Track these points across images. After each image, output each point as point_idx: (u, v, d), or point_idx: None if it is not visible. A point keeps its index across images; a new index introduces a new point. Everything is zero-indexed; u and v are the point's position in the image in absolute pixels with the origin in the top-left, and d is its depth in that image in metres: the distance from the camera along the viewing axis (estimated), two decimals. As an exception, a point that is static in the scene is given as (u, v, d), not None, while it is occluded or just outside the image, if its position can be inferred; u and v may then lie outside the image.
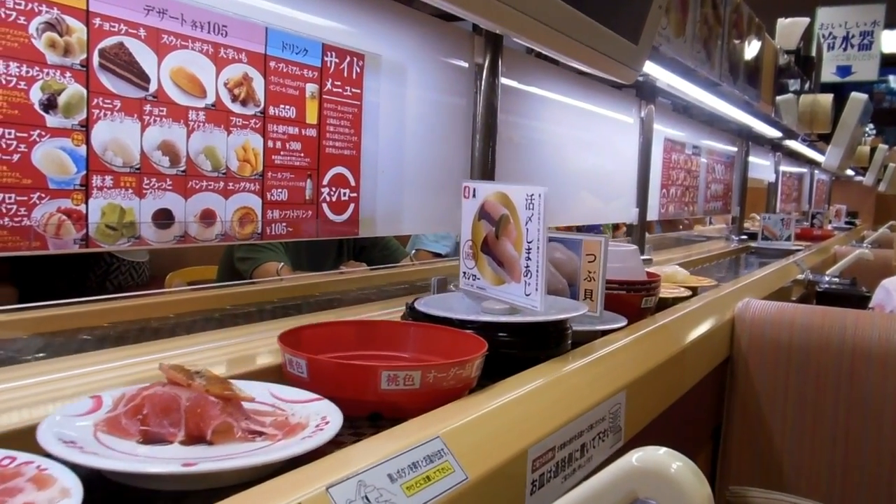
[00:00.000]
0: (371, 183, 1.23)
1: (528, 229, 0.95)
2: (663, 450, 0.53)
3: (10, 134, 0.77)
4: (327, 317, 1.23)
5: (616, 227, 4.35)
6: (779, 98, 3.04)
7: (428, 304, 1.01)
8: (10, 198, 0.78)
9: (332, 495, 0.55)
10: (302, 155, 1.10)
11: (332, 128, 1.14)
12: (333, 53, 1.13)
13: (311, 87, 1.10)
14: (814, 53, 4.28)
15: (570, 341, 1.03)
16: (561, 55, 1.24)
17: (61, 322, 1.07)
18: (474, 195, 1.06)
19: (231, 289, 1.48)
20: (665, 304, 1.50)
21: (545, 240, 0.93)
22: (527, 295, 0.96)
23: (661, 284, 1.42)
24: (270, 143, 1.05)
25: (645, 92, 2.37)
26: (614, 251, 1.34)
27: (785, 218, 3.53)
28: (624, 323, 1.21)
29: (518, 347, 0.95)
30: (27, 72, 0.78)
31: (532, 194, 0.94)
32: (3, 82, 0.76)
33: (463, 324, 0.94)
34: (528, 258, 0.95)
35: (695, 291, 1.74)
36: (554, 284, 1.14)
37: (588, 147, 2.09)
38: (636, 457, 0.53)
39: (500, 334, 0.94)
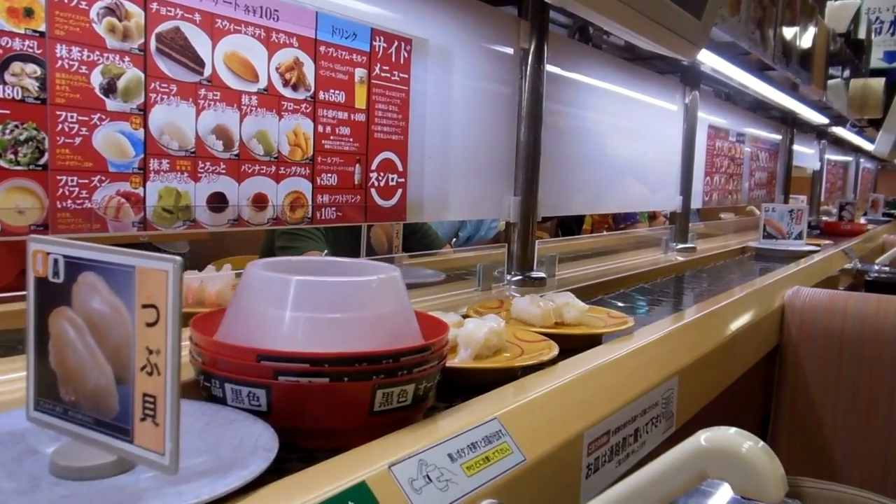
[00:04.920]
0: (418, 168, 1.23)
1: None
2: (733, 429, 0.52)
3: (72, 118, 0.78)
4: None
5: (653, 216, 4.28)
6: (828, 83, 2.96)
7: None
8: (72, 181, 0.79)
9: (395, 473, 0.55)
10: (351, 140, 1.10)
11: (381, 113, 1.14)
12: (382, 38, 1.13)
13: (360, 72, 1.10)
14: (863, 37, 4.17)
15: None
16: (625, 29, 1.22)
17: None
18: None
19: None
20: (510, 375, 0.82)
21: None
22: None
23: (445, 350, 0.70)
24: (320, 128, 1.05)
25: (689, 78, 2.33)
26: (336, 285, 0.66)
27: (794, 210, 2.64)
28: (244, 480, 0.48)
29: None
30: (88, 56, 0.79)
31: None
32: (66, 66, 0.77)
33: None
34: None
35: (593, 341, 1.01)
36: (90, 379, 0.49)
37: (632, 134, 2.06)
38: (704, 437, 0.52)
39: None
